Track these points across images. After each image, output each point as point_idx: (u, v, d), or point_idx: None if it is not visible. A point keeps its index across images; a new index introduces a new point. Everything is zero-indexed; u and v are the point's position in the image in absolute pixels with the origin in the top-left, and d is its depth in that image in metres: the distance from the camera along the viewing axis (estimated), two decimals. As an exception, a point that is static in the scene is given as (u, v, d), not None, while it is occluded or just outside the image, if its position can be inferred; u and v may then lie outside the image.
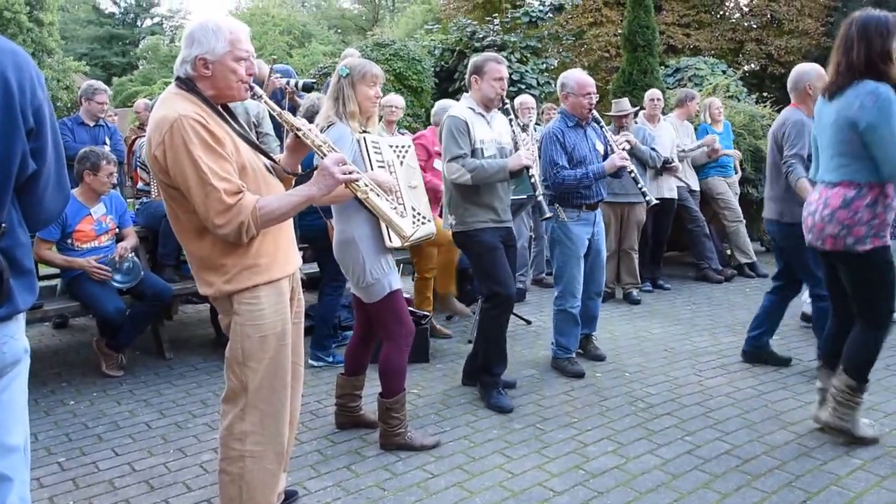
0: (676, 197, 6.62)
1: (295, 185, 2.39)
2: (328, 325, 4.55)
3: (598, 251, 4.41)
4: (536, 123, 6.96)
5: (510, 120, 3.80)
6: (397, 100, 5.89)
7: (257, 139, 4.42)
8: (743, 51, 19.84)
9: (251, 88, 2.26)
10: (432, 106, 9.20)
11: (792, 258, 4.13)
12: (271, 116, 4.63)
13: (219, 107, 2.24)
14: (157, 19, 44.11)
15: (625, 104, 6.18)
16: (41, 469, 3.12)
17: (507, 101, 3.74)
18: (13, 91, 1.53)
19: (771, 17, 20.04)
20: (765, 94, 10.30)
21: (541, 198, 3.74)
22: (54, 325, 5.63)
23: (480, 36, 10.51)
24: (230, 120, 2.27)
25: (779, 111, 7.91)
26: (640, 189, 4.35)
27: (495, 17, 11.57)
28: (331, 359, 4.50)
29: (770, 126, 4.43)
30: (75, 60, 28.97)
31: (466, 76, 3.83)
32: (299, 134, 2.32)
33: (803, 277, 4.20)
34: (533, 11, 11.68)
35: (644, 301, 6.16)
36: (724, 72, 10.10)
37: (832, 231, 3.04)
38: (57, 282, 4.80)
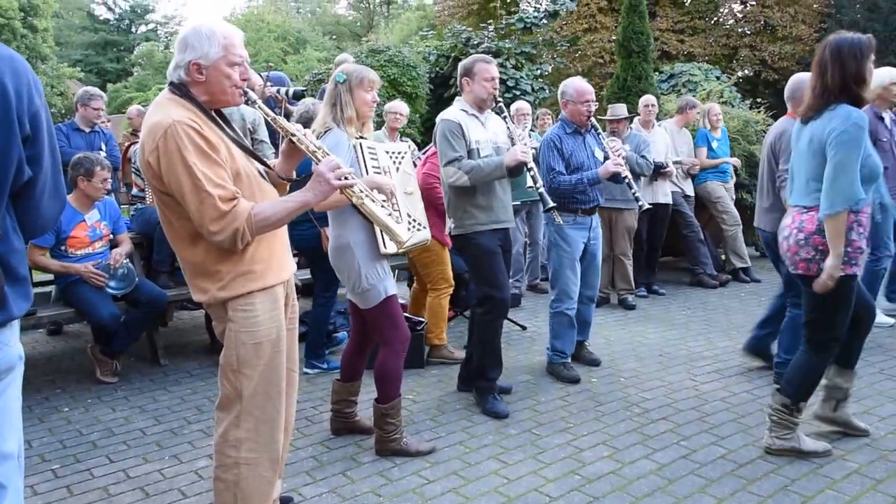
0: (671, 202, 6.64)
1: (290, 192, 2.38)
2: (322, 332, 4.54)
3: (594, 255, 4.42)
4: (532, 129, 6.98)
5: (504, 118, 3.78)
6: (401, 107, 5.86)
7: (253, 146, 4.42)
8: (737, 57, 19.96)
9: (245, 94, 2.26)
10: (427, 112, 9.26)
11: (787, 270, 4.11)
12: (267, 123, 4.64)
13: (212, 112, 2.24)
14: (151, 25, 44.09)
15: (620, 109, 6.21)
16: (35, 476, 3.11)
17: (499, 99, 3.74)
18: (10, 97, 1.52)
19: (765, 24, 20.19)
20: (759, 99, 10.35)
21: (541, 189, 3.74)
22: (48, 331, 5.61)
23: (475, 42, 10.51)
24: (224, 126, 2.26)
25: (773, 117, 7.96)
26: (634, 194, 4.37)
27: (490, 24, 11.59)
28: (325, 365, 4.49)
29: (764, 132, 4.44)
30: (70, 67, 28.96)
31: (458, 79, 3.84)
32: (294, 139, 2.32)
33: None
34: (527, 17, 11.69)
35: (639, 306, 6.17)
36: (717, 77, 10.12)
37: (806, 255, 3.01)
38: (51, 288, 4.80)
